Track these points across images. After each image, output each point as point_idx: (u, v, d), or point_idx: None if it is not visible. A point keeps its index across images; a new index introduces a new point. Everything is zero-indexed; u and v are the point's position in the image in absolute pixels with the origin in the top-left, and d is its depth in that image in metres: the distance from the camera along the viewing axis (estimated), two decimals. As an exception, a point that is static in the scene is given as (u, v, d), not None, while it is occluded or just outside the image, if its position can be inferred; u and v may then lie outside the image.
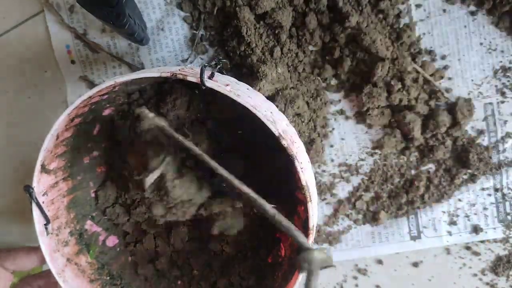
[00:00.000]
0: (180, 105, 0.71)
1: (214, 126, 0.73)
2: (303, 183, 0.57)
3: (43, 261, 0.68)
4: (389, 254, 0.89)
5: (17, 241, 0.94)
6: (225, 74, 0.73)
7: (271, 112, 0.61)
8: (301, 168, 0.56)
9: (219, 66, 0.64)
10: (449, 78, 0.81)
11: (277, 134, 0.55)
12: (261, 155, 0.74)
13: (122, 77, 0.57)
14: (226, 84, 0.57)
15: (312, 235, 0.59)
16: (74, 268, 0.67)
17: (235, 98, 0.55)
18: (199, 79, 0.55)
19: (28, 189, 0.59)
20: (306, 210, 0.59)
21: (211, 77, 0.58)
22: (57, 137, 0.60)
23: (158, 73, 0.56)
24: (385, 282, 0.91)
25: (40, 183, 0.61)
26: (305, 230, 0.62)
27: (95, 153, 0.75)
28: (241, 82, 0.68)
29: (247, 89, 0.66)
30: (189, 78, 0.56)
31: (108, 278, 0.73)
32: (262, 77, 0.74)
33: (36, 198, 0.60)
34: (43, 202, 0.62)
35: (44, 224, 0.62)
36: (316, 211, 0.66)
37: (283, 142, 0.55)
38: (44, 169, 0.61)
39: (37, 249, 0.68)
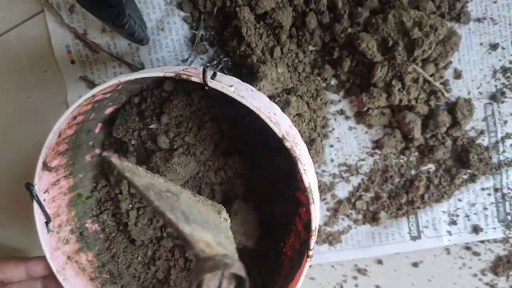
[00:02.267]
0: (183, 105, 0.71)
1: (216, 126, 0.73)
2: (306, 185, 0.57)
3: (30, 275, 0.67)
4: (389, 254, 0.89)
5: (17, 239, 0.94)
6: (227, 74, 0.73)
7: (274, 114, 0.61)
8: (304, 170, 0.56)
9: (221, 66, 0.64)
10: (449, 78, 0.82)
11: (280, 136, 0.55)
12: (262, 156, 0.74)
13: (126, 76, 0.57)
14: (229, 85, 0.57)
15: (315, 236, 0.59)
16: (74, 266, 0.67)
17: (239, 99, 0.55)
18: (202, 79, 0.55)
19: (29, 186, 0.59)
20: (308, 212, 0.59)
21: (213, 77, 0.57)
22: (59, 135, 0.60)
23: (162, 73, 0.56)
24: (385, 282, 0.91)
25: (41, 180, 0.61)
26: (307, 232, 0.61)
27: (96, 151, 0.75)
28: (245, 83, 0.68)
29: (251, 89, 0.66)
30: (193, 79, 0.56)
31: (108, 276, 0.73)
32: (262, 77, 0.74)
33: (37, 196, 0.60)
34: (44, 200, 0.62)
35: (45, 222, 0.62)
36: (319, 213, 0.66)
37: (287, 144, 0.55)
38: (45, 166, 0.61)
39: (26, 260, 0.67)
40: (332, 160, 0.86)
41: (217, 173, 0.75)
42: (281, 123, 0.60)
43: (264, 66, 0.74)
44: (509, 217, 0.85)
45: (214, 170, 0.74)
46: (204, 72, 0.55)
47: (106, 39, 0.83)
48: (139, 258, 0.78)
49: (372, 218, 0.87)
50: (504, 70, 0.81)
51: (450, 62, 0.81)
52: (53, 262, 0.62)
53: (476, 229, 0.86)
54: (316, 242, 0.87)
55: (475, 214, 0.86)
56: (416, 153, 0.84)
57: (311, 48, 0.81)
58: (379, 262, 0.90)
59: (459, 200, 0.85)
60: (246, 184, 0.76)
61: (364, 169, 0.86)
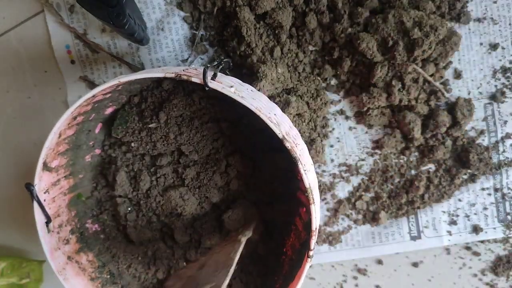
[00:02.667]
0: (183, 105, 0.71)
1: (217, 127, 0.73)
2: (307, 185, 0.57)
3: None
4: (389, 254, 0.89)
5: (17, 239, 0.94)
6: (228, 75, 0.73)
7: (275, 114, 0.61)
8: (305, 171, 0.56)
9: (221, 67, 0.64)
10: (449, 78, 0.82)
11: (281, 137, 0.55)
12: (263, 156, 0.74)
13: (126, 76, 0.57)
14: (230, 86, 0.57)
15: (315, 237, 0.59)
16: (74, 266, 0.67)
17: (239, 100, 0.55)
18: (202, 80, 0.55)
19: (29, 186, 0.59)
20: (308, 212, 0.59)
21: (213, 77, 0.57)
22: (59, 135, 0.60)
23: (163, 73, 0.56)
24: (385, 282, 0.91)
25: (41, 180, 0.61)
26: (307, 232, 0.61)
27: (97, 151, 0.75)
28: (245, 83, 0.68)
29: (251, 90, 0.66)
30: (193, 79, 0.55)
31: (109, 276, 0.73)
32: (262, 77, 0.74)
33: (37, 196, 0.60)
34: (44, 200, 0.62)
35: (45, 222, 0.62)
36: (319, 213, 0.66)
37: (287, 145, 0.55)
38: (46, 166, 0.61)
39: None
40: (332, 160, 0.86)
41: (216, 172, 0.75)
42: (281, 123, 0.60)
43: (264, 66, 0.74)
44: (509, 217, 0.85)
45: (214, 170, 0.74)
46: (204, 72, 0.55)
47: (106, 39, 0.83)
48: (139, 258, 0.78)
49: (372, 218, 0.87)
50: (504, 70, 0.81)
51: (450, 62, 0.81)
52: (53, 262, 0.62)
53: (476, 229, 0.86)
54: (316, 242, 0.87)
55: (475, 214, 0.86)
56: (416, 153, 0.84)
57: (311, 48, 0.81)
58: (379, 262, 0.90)
59: (459, 200, 0.85)
60: (247, 184, 0.76)
61: (364, 169, 0.86)
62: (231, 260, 0.62)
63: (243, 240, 0.66)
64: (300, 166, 0.56)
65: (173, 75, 0.56)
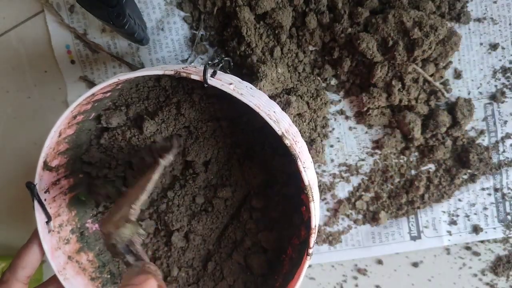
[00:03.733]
0: (183, 105, 0.71)
1: (217, 125, 0.73)
2: (306, 183, 0.57)
3: None
4: (389, 254, 0.89)
5: (17, 239, 0.93)
6: (228, 73, 0.73)
7: (274, 112, 0.61)
8: (304, 168, 0.56)
9: (221, 65, 0.64)
10: (449, 78, 0.82)
11: (280, 134, 0.55)
12: (265, 157, 0.74)
13: (125, 74, 0.57)
14: (229, 83, 0.57)
15: (314, 234, 0.59)
16: (75, 266, 0.67)
17: (238, 97, 0.55)
18: (202, 77, 0.55)
19: (30, 185, 0.59)
20: (308, 210, 0.59)
21: (213, 75, 0.57)
22: (59, 134, 0.60)
23: (162, 71, 0.56)
24: (385, 282, 0.91)
25: (42, 180, 0.61)
26: (307, 229, 0.61)
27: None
28: (244, 81, 0.68)
29: (251, 88, 0.66)
30: (193, 76, 0.55)
31: (109, 276, 0.73)
32: (262, 77, 0.74)
33: (38, 195, 0.60)
34: (44, 200, 0.62)
35: (46, 221, 0.62)
36: (318, 210, 0.66)
37: (286, 142, 0.55)
38: (46, 166, 0.61)
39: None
40: (332, 160, 0.86)
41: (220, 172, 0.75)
42: (280, 121, 0.59)
43: (264, 66, 0.74)
44: (509, 217, 0.85)
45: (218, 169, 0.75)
46: (205, 69, 0.55)
47: (106, 39, 0.83)
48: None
49: (372, 218, 0.87)
50: (504, 70, 0.81)
51: (450, 62, 0.81)
52: (53, 262, 0.62)
53: (476, 229, 0.86)
54: (316, 242, 0.87)
55: (475, 214, 0.86)
56: (416, 153, 0.84)
57: (311, 48, 0.81)
58: (379, 262, 0.90)
59: (459, 200, 0.85)
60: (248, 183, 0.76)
61: (364, 169, 0.86)
62: (148, 180, 0.60)
63: (163, 163, 0.64)
64: (299, 163, 0.56)
65: (172, 73, 0.56)
